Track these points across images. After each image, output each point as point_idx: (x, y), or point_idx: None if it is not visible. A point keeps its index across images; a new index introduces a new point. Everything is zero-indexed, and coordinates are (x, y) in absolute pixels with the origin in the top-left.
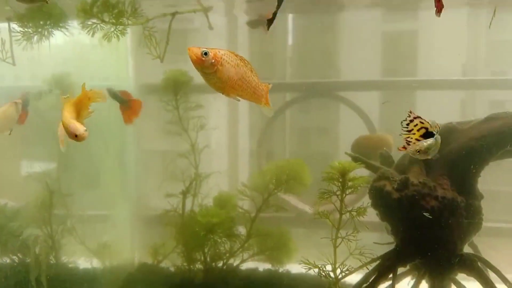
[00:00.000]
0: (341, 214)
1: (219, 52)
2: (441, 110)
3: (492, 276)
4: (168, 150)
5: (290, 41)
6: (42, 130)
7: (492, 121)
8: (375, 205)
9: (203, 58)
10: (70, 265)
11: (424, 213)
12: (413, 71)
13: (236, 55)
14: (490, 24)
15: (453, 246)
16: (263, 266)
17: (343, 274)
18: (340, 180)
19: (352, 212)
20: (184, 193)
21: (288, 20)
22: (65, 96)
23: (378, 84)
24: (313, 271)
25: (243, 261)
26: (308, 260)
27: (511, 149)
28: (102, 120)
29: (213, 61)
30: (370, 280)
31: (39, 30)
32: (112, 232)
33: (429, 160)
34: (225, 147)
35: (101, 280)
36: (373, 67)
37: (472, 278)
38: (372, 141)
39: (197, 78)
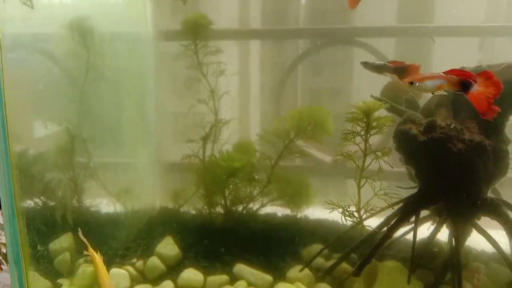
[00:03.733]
0: (365, 154)
1: None
2: (459, 56)
3: None
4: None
5: None
6: (60, 77)
7: None
8: (399, 148)
9: None
10: (92, 209)
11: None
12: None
13: None
14: None
15: (478, 190)
16: (282, 211)
17: (367, 214)
18: (364, 120)
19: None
20: (205, 139)
21: None
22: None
23: (394, 31)
24: (332, 219)
25: (262, 205)
26: (331, 201)
27: None
28: (123, 65)
29: None
30: (392, 223)
31: None
32: (133, 177)
33: (456, 103)
34: (241, 93)
35: (124, 223)
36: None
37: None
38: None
39: (217, 22)
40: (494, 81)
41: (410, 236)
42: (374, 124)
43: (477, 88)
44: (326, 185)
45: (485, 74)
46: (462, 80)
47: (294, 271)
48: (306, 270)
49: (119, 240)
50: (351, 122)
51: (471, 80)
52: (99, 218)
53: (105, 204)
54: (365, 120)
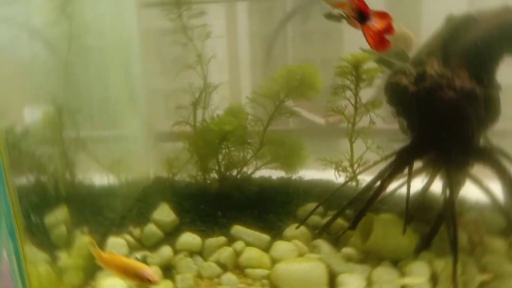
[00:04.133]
0: (356, 108)
1: None
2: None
3: None
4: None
5: None
6: (41, 47)
7: None
8: (391, 101)
9: None
10: (85, 182)
11: None
12: None
13: None
14: None
15: (471, 137)
16: (276, 174)
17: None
18: (354, 73)
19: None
20: (195, 104)
21: None
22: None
23: None
24: (326, 179)
25: (256, 168)
26: (325, 158)
27: None
28: (106, 28)
29: None
30: (385, 176)
31: None
32: (125, 148)
33: (447, 52)
34: (230, 57)
35: (118, 193)
36: None
37: None
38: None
39: None
40: (386, 17)
41: (404, 191)
42: (363, 77)
43: (373, 24)
44: (319, 146)
45: (380, 13)
46: (359, 10)
47: (291, 230)
48: (303, 228)
49: (114, 210)
50: (340, 76)
51: (366, 14)
52: (93, 190)
53: (98, 176)
54: (354, 73)
